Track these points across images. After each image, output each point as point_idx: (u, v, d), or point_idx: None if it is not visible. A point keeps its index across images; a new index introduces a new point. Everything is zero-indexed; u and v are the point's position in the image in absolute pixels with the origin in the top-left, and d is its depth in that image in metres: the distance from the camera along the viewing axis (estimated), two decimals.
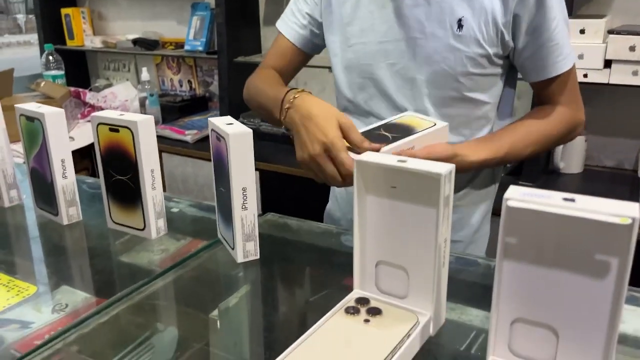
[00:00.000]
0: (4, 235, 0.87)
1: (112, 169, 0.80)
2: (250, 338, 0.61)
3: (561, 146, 1.54)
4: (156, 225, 0.81)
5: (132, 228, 0.82)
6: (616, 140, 1.73)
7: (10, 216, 0.91)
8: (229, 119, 0.73)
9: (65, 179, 0.84)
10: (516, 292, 0.47)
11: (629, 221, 0.39)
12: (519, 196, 0.44)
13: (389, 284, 0.60)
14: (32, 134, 0.84)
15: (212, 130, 0.73)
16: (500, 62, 0.89)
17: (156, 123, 2.23)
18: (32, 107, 0.83)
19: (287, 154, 1.92)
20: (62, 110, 0.82)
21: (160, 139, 2.14)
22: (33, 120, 0.82)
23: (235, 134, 0.67)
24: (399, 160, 0.54)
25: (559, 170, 1.57)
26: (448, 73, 0.87)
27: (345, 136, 0.76)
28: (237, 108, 2.11)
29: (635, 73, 1.38)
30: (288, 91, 0.85)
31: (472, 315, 0.61)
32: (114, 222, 0.84)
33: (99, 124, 0.79)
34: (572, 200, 0.42)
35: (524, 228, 0.45)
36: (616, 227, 0.40)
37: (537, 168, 1.51)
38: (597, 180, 1.56)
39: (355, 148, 0.76)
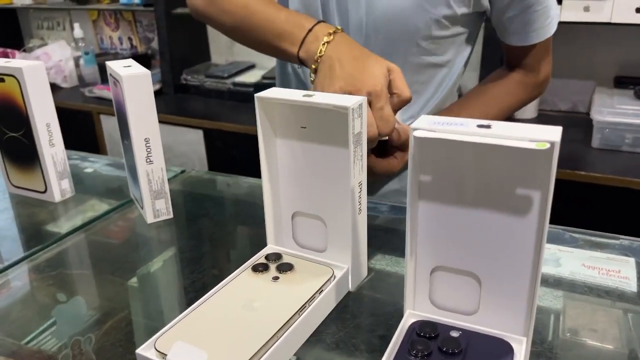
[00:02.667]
0: None
1: (3, 124, 0.71)
2: (165, 302, 0.54)
3: None
4: (60, 187, 0.72)
5: (33, 191, 0.73)
6: (570, 82, 1.70)
7: None
8: (129, 61, 0.64)
9: None
10: (434, 237, 0.42)
11: (547, 146, 0.33)
12: (428, 125, 0.37)
13: (306, 236, 0.54)
14: None
15: (110, 75, 0.65)
16: (472, 21, 0.78)
17: (94, 83, 2.11)
18: None
19: (234, 111, 1.82)
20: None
21: (98, 100, 2.01)
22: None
23: (130, 76, 0.58)
24: (304, 95, 0.47)
25: (513, 117, 1.53)
26: (407, 36, 0.76)
27: (392, 81, 0.62)
28: (180, 64, 2.00)
29: (586, 9, 1.33)
30: (316, 24, 0.67)
31: (403, 267, 0.56)
32: (13, 185, 0.75)
33: None
34: (488, 126, 0.36)
35: (437, 162, 0.39)
36: (534, 154, 0.34)
37: None
38: (552, 124, 1.53)
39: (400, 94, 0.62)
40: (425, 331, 0.41)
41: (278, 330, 0.42)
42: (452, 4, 0.74)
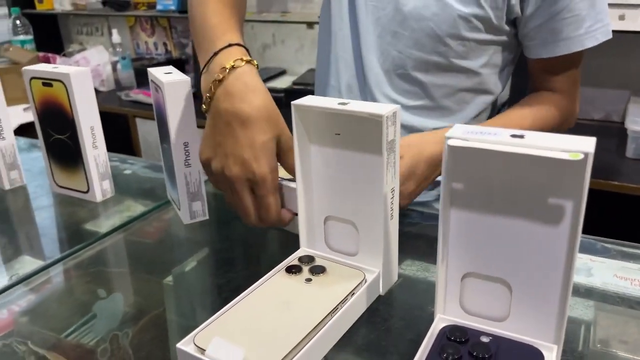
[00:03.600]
0: None
1: (50, 127, 0.74)
2: (199, 301, 0.56)
3: None
4: (101, 187, 0.75)
5: (76, 191, 0.76)
6: (604, 92, 1.67)
7: None
8: (169, 68, 0.67)
9: (4, 140, 0.78)
10: (465, 244, 0.43)
11: (581, 156, 0.34)
12: (461, 134, 0.38)
13: (338, 240, 0.55)
14: None
15: (152, 81, 0.67)
16: (504, 28, 0.75)
17: (130, 87, 2.16)
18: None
19: None
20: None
21: (133, 103, 2.06)
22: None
23: (171, 82, 0.61)
24: (340, 103, 0.48)
25: None
26: (435, 33, 0.74)
27: (280, 159, 0.56)
28: None
29: (622, 17, 1.31)
30: (225, 47, 0.58)
31: (433, 273, 0.56)
32: (57, 185, 0.78)
33: (32, 78, 0.73)
34: (521, 136, 0.37)
35: (470, 171, 0.40)
36: (567, 164, 0.35)
37: None
38: (584, 134, 1.51)
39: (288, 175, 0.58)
40: (455, 335, 0.41)
41: (311, 331, 0.43)
42: (483, 4, 0.72)
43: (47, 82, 0.70)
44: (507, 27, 0.76)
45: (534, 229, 0.39)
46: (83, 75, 0.70)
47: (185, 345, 0.42)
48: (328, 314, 0.45)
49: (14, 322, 0.52)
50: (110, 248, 0.65)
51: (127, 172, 0.88)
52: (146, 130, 1.95)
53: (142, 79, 2.17)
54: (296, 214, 0.56)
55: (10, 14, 2.26)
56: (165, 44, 2.39)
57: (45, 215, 0.75)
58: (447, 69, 0.78)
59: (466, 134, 0.38)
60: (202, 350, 0.41)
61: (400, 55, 0.79)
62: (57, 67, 0.71)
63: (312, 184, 0.54)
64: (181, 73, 0.64)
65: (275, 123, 0.55)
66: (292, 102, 0.50)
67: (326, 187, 0.54)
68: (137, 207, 0.74)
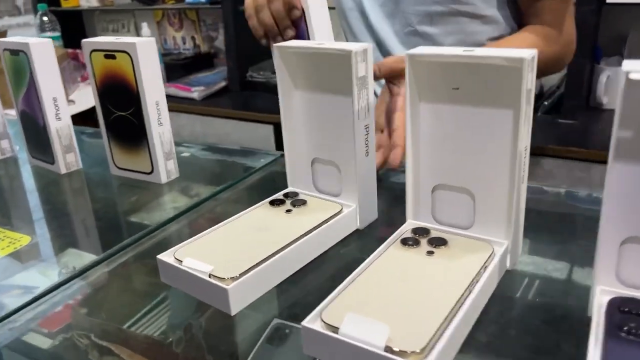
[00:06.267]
0: None
1: (110, 103, 0.70)
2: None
3: (604, 79, 1.40)
4: (166, 168, 0.70)
5: (139, 172, 0.71)
6: None
7: (1, 169, 0.81)
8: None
9: (59, 120, 0.74)
10: (630, 204, 0.37)
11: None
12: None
13: (449, 212, 0.49)
14: (18, 70, 0.73)
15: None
16: None
17: None
18: (16, 39, 0.72)
19: None
20: (48, 41, 0.71)
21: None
22: (18, 54, 0.71)
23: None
24: (465, 50, 0.43)
25: (602, 106, 1.44)
26: None
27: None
28: (246, 61, 1.99)
29: None
30: None
31: (547, 244, 0.50)
32: (117, 167, 0.73)
33: (92, 50, 0.68)
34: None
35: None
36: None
37: (577, 104, 1.37)
38: None
39: None
40: (630, 307, 0.35)
41: (452, 307, 0.37)
42: None
43: (110, 54, 0.66)
44: None
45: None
46: (149, 45, 0.65)
47: (311, 322, 0.37)
48: (466, 289, 0.39)
49: (72, 316, 0.47)
50: (176, 234, 0.60)
51: (185, 154, 0.83)
52: (179, 124, 1.90)
53: (171, 74, 2.12)
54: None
55: (36, 11, 2.23)
56: (193, 38, 2.35)
57: (104, 200, 0.70)
58: (450, 16, 0.80)
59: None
60: (335, 329, 0.35)
61: (405, 13, 0.83)
62: (119, 38, 0.66)
63: (419, 148, 0.49)
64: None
65: None
66: (408, 53, 0.45)
67: (437, 149, 0.48)
68: (203, 190, 0.69)
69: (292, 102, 0.56)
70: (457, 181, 0.48)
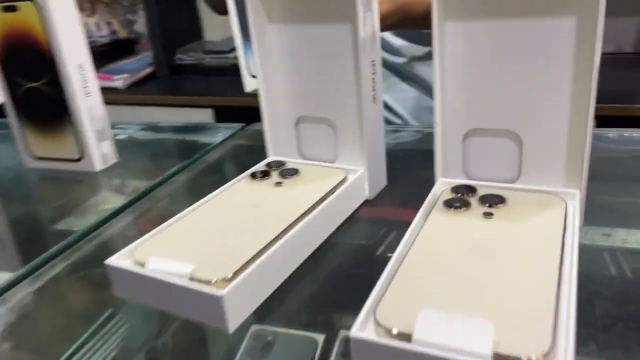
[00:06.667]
0: None
1: (18, 73, 0.54)
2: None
3: None
4: (100, 151, 0.55)
5: (64, 160, 0.56)
6: (614, 20, 1.57)
7: None
8: None
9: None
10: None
11: None
12: None
13: (488, 164, 0.39)
14: None
15: None
16: None
17: None
18: None
19: (239, 86, 1.65)
20: None
21: None
22: None
23: None
24: None
25: None
26: None
27: None
28: (172, 43, 1.81)
29: None
30: None
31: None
32: (33, 157, 0.57)
33: None
34: None
35: None
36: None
37: None
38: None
39: None
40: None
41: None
42: None
43: (9, 4, 0.50)
44: None
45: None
46: None
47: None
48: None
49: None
50: (122, 233, 0.46)
51: (121, 136, 0.68)
52: None
53: None
54: None
55: None
56: (109, 23, 2.12)
57: (19, 202, 0.54)
58: None
59: None
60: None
61: None
62: None
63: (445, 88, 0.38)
64: None
65: None
66: None
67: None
68: (152, 175, 0.55)
69: (267, 42, 0.43)
70: (499, 123, 0.37)
